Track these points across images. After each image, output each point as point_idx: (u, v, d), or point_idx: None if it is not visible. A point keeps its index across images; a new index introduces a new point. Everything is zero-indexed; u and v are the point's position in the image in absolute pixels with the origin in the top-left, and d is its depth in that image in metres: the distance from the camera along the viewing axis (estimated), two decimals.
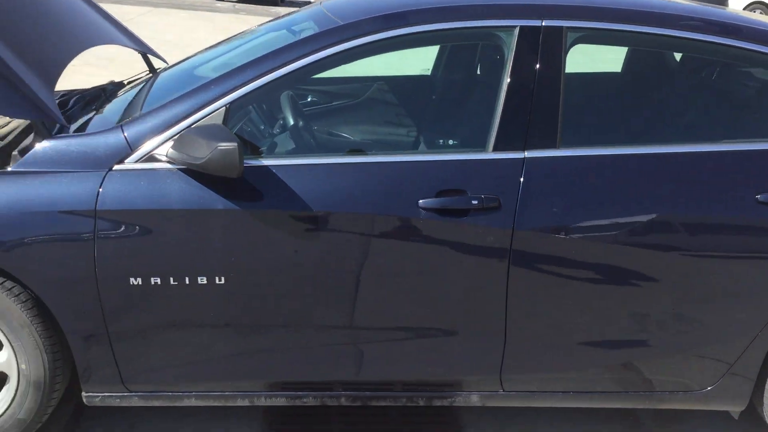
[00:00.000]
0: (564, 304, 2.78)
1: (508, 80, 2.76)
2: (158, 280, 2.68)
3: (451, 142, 2.91)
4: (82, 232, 2.64)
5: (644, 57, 3.28)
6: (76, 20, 3.50)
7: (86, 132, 2.82)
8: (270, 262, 2.70)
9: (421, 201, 2.67)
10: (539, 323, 2.81)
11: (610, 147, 2.81)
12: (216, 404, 2.92)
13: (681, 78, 3.24)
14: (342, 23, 2.80)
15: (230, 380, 2.87)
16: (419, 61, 3.80)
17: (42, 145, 2.71)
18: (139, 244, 2.67)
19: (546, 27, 2.78)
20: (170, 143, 2.66)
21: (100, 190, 2.64)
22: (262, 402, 2.91)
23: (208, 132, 2.55)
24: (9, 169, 2.71)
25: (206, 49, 3.67)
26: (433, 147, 2.89)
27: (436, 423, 3.24)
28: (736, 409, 3.02)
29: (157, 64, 3.97)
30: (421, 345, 2.84)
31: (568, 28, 2.80)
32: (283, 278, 2.72)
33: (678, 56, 3.22)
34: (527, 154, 2.74)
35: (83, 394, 2.84)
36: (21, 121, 3.12)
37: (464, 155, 2.78)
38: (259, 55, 2.77)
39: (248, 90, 2.71)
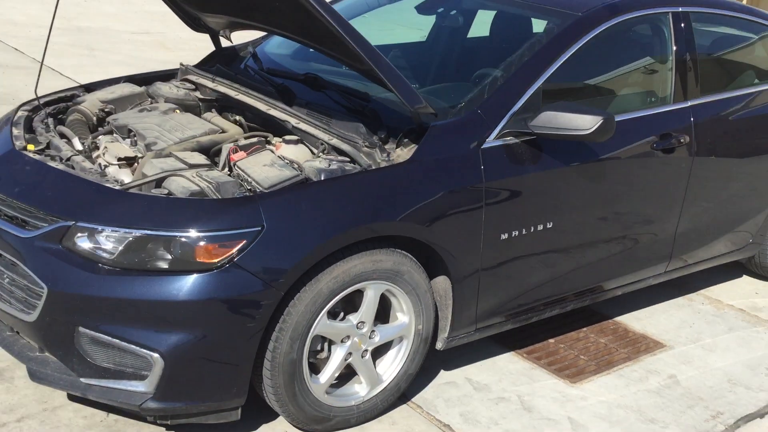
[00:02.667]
0: (716, 200, 4.10)
1: (674, 51, 3.90)
2: (516, 233, 3.34)
3: (652, 99, 3.93)
4: (475, 202, 3.18)
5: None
6: None
7: (450, 119, 3.24)
8: (577, 204, 3.52)
9: (655, 144, 3.72)
10: (697, 217, 4.08)
11: (729, 91, 4.15)
12: (525, 323, 3.65)
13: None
14: (581, 14, 3.62)
15: (542, 299, 3.64)
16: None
17: (431, 132, 3.12)
18: (507, 206, 3.28)
19: (682, 11, 3.96)
20: (513, 120, 3.28)
21: (482, 166, 3.18)
22: (555, 312, 3.73)
23: (575, 108, 3.24)
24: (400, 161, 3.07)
25: None
26: (644, 104, 3.90)
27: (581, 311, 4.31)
28: None
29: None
30: (631, 247, 3.90)
31: (689, 12, 4.00)
32: (583, 213, 3.57)
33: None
34: (690, 102, 3.93)
35: (444, 339, 3.35)
36: None
37: (662, 108, 3.87)
38: (553, 36, 3.50)
39: (556, 66, 3.43)
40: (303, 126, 3.30)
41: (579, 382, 3.68)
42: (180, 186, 2.88)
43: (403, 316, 3.17)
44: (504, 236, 3.30)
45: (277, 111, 3.42)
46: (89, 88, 3.93)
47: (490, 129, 3.26)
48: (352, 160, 3.09)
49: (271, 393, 2.92)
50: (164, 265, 2.69)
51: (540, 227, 3.42)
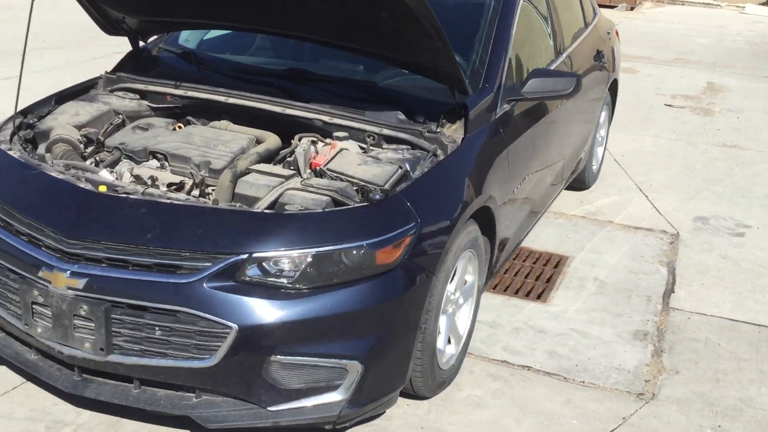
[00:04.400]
0: (577, 132, 5.01)
1: (550, 14, 4.64)
2: (519, 186, 3.89)
3: (552, 57, 4.59)
4: (505, 165, 3.66)
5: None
6: None
7: (474, 95, 3.58)
8: (528, 149, 4.14)
9: None
10: (571, 147, 4.95)
11: (573, 43, 5.03)
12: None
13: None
14: None
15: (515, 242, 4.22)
16: None
17: (471, 110, 3.48)
18: (516, 163, 3.80)
19: None
20: (504, 89, 3.77)
21: (501, 130, 3.66)
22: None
23: (554, 72, 3.83)
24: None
25: None
26: (551, 60, 4.54)
27: None
28: None
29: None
30: (551, 180, 4.65)
31: None
32: (545, 158, 4.23)
33: None
34: (563, 55, 4.73)
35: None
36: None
37: (557, 61, 4.59)
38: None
39: (512, 37, 3.97)
40: (339, 121, 3.42)
41: (548, 301, 4.37)
42: (309, 199, 2.94)
43: (470, 276, 3.56)
44: (515, 190, 3.83)
45: (296, 110, 3.48)
46: (29, 111, 3.56)
47: (497, 99, 3.72)
48: (413, 147, 3.35)
49: (419, 369, 3.15)
50: (346, 276, 2.79)
51: (526, 177, 3.99)
